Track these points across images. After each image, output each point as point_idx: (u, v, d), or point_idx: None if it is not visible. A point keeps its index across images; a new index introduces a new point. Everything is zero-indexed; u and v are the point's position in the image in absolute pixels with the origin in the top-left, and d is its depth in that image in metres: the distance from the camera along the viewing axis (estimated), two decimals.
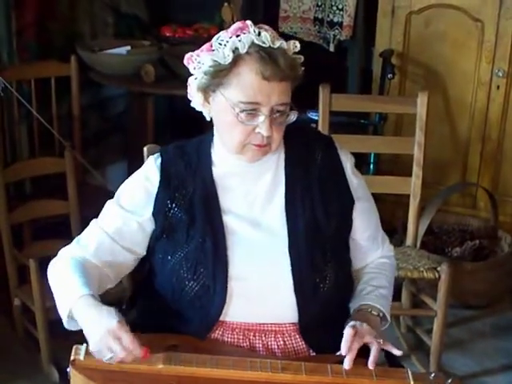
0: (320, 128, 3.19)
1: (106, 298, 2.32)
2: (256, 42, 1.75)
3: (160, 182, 1.87)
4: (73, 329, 1.75)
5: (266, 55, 1.73)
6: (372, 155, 3.84)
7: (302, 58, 1.82)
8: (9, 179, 3.19)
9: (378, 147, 3.47)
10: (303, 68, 1.82)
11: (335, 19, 4.28)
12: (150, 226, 1.88)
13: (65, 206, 3.28)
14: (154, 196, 1.87)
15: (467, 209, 4.09)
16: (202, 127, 2.11)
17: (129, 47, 4.08)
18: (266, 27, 1.79)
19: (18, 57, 3.85)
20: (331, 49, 4.37)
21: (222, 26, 4.22)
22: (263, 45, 1.74)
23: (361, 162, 3.76)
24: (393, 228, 3.68)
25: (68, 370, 1.69)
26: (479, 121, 3.98)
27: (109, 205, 1.91)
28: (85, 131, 4.07)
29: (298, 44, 1.81)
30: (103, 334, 1.63)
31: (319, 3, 4.36)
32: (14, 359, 3.17)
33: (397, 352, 1.78)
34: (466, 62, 3.93)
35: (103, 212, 1.92)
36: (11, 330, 3.32)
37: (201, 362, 1.69)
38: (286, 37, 1.84)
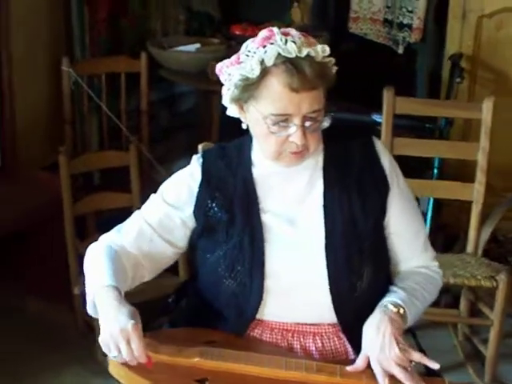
0: (383, 131, 3.17)
1: (160, 290, 2.38)
2: (282, 53, 1.72)
3: (201, 180, 1.90)
4: (94, 316, 1.77)
5: (292, 66, 1.70)
6: (436, 160, 3.78)
7: (332, 61, 1.79)
8: (75, 170, 3.26)
9: (442, 152, 3.42)
10: (336, 68, 1.79)
11: (405, 21, 4.24)
12: (192, 222, 1.90)
13: (128, 199, 3.32)
14: (196, 194, 1.89)
15: None
16: None
17: (198, 45, 4.12)
18: (294, 33, 1.76)
19: (89, 52, 3.95)
20: (400, 51, 4.34)
21: (291, 26, 4.23)
22: (289, 55, 1.71)
23: (425, 166, 3.72)
24: (457, 234, 3.63)
25: (107, 358, 1.72)
26: None
27: (153, 198, 1.95)
28: (154, 127, 4.14)
29: (327, 48, 1.77)
30: (116, 331, 1.63)
31: (389, 5, 4.33)
32: (71, 344, 3.27)
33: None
34: None
35: (147, 204, 1.95)
36: (71, 318, 3.40)
37: (236, 358, 1.71)
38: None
